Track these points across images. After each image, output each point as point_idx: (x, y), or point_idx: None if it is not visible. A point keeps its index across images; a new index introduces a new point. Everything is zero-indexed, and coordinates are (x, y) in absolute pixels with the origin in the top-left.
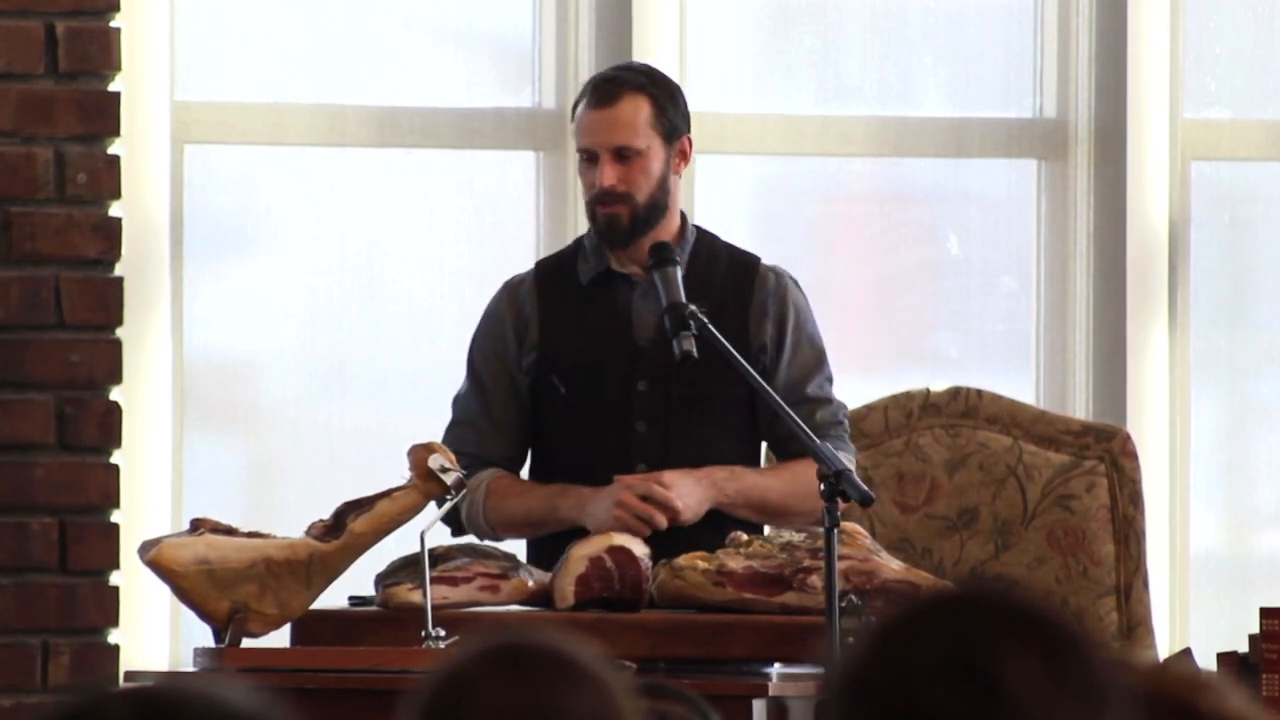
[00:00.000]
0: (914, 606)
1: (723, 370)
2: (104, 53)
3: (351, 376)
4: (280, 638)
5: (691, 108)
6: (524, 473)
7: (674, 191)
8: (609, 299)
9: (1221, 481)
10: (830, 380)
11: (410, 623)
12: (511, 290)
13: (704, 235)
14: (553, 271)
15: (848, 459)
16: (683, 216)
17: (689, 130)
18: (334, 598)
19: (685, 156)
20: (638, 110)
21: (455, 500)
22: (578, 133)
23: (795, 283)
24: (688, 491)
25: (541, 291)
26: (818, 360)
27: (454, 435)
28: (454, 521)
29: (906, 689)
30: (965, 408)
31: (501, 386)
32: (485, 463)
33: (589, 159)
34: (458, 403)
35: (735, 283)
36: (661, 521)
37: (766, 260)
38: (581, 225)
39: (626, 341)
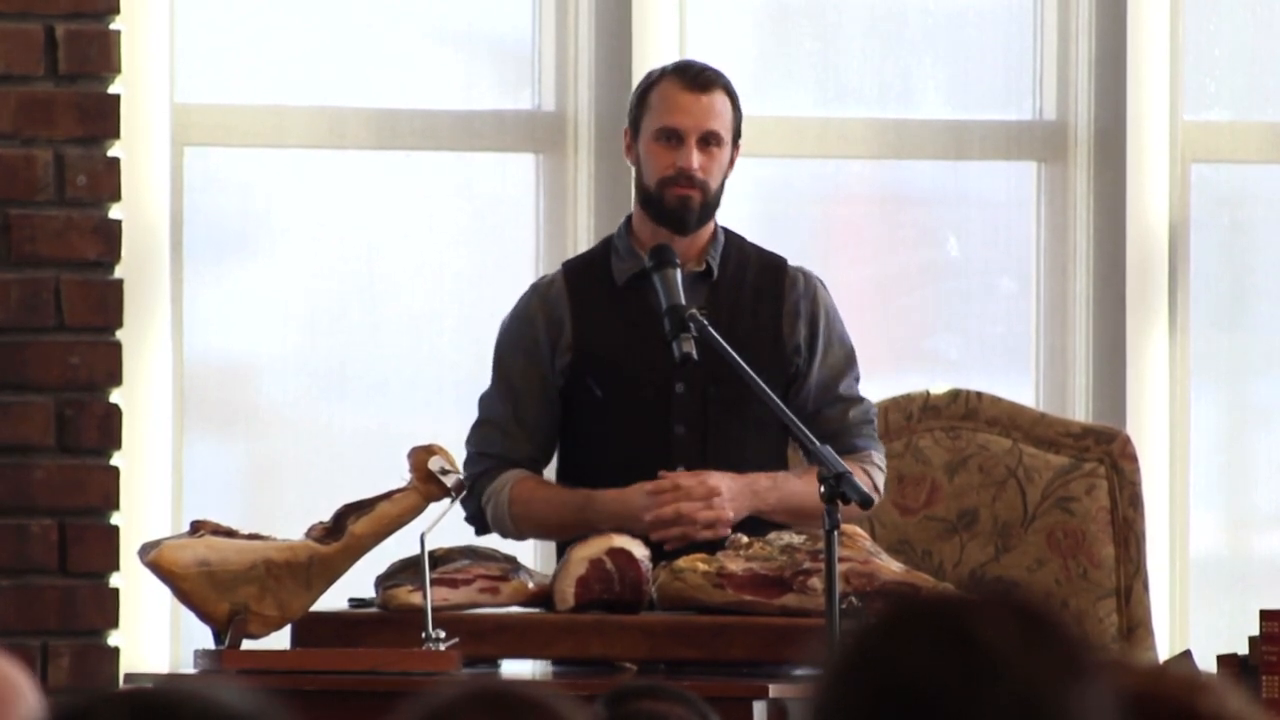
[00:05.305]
0: (903, 603)
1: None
2: (104, 55)
3: (351, 378)
4: (280, 639)
5: None
6: (549, 472)
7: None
8: (644, 299)
9: (1221, 483)
10: (859, 379)
11: (410, 625)
12: (541, 291)
13: (733, 237)
14: (584, 272)
15: (879, 457)
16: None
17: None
18: (334, 599)
19: (733, 163)
20: (725, 104)
21: (455, 502)
22: (662, 110)
23: (822, 283)
24: (731, 498)
25: (574, 292)
26: (847, 360)
27: (480, 435)
28: (479, 521)
29: (894, 659)
30: (965, 410)
31: (531, 388)
32: (510, 463)
33: (669, 139)
34: (483, 402)
35: (767, 285)
36: (705, 518)
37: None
38: (581, 226)
39: (662, 343)
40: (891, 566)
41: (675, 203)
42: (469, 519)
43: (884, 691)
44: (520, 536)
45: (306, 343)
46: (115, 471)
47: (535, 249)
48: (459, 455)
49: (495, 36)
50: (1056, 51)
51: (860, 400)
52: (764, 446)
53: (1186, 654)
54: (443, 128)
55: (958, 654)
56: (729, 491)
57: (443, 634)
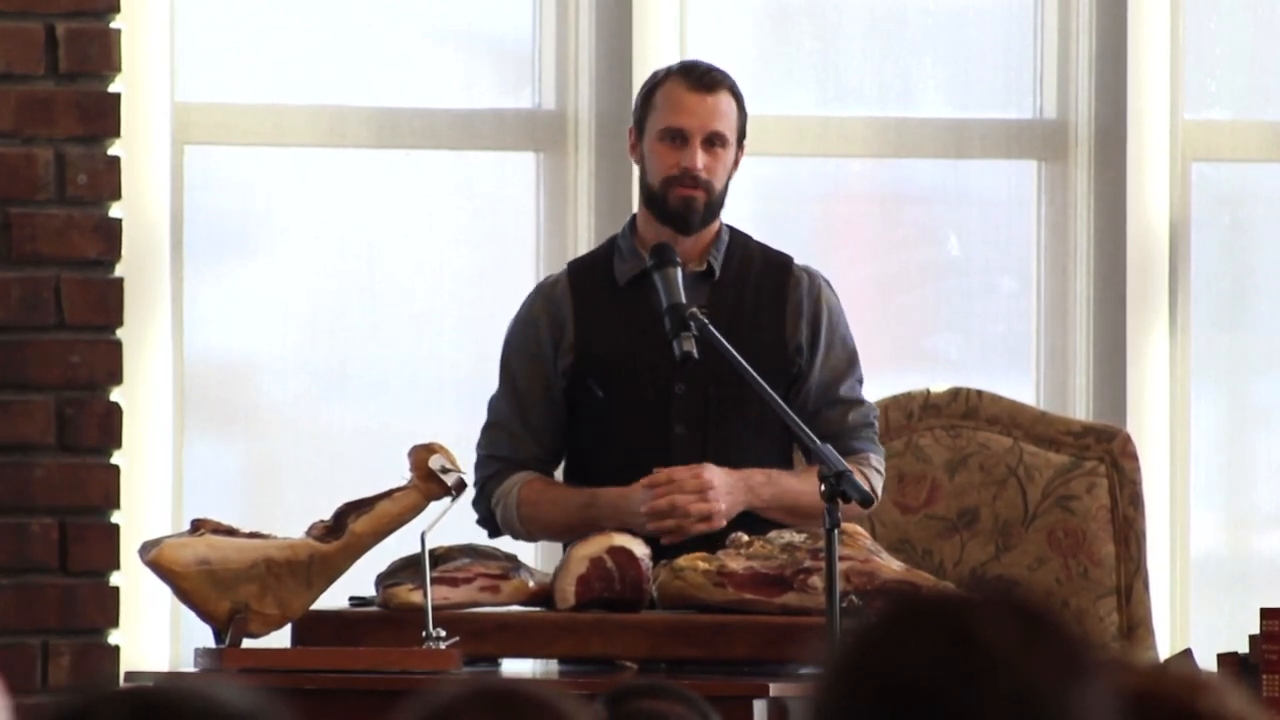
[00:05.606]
0: (904, 602)
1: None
2: (104, 54)
3: (352, 377)
4: (281, 638)
5: None
6: (559, 473)
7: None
8: (646, 300)
9: (1222, 483)
10: (861, 381)
11: (411, 623)
12: (545, 292)
13: (738, 236)
14: (587, 272)
15: (878, 460)
16: None
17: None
18: (334, 598)
19: (738, 164)
20: (730, 105)
21: (455, 500)
22: (667, 111)
23: (828, 283)
24: (726, 491)
25: (576, 292)
26: (849, 361)
27: (488, 437)
28: (490, 523)
29: (894, 658)
30: (966, 408)
31: (536, 389)
32: (519, 465)
33: (674, 139)
34: (492, 405)
35: (770, 284)
36: (699, 510)
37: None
38: (581, 225)
39: (663, 343)
40: (892, 565)
41: (679, 203)
42: (480, 522)
43: (884, 691)
44: (530, 538)
45: (307, 341)
46: (115, 470)
47: (535, 248)
48: (459, 454)
49: (495, 35)
50: (1057, 50)
51: (861, 403)
52: (765, 447)
53: (1187, 653)
54: (443, 127)
55: (958, 653)
56: (723, 485)
57: (443, 633)
